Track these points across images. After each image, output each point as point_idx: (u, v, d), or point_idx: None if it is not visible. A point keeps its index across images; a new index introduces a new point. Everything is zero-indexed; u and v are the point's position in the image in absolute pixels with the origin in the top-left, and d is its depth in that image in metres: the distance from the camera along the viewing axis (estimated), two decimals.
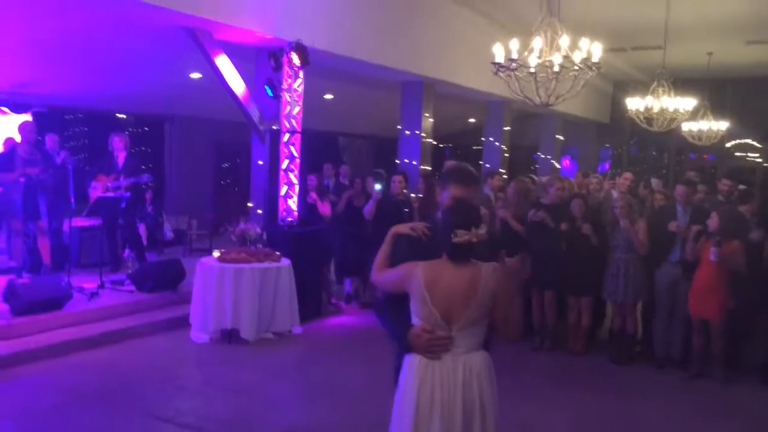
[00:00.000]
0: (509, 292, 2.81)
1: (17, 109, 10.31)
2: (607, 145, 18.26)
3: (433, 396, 2.71)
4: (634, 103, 10.55)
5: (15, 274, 7.62)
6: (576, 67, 6.09)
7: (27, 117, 10.08)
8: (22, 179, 7.65)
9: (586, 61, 6.06)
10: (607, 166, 17.85)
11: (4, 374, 5.48)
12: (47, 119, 11.31)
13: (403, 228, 3.01)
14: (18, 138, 8.28)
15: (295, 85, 7.93)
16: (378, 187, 7.54)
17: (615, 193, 7.84)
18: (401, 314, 2.85)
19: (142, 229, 10.32)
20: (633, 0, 9.74)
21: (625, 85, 15.28)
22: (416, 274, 2.77)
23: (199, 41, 7.22)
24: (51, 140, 9.21)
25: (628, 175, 8.10)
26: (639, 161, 17.66)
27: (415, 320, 2.79)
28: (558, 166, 15.35)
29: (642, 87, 11.55)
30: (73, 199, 7.79)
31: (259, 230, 7.42)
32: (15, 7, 7.01)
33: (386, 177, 8.10)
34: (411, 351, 2.79)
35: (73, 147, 13.58)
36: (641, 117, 10.63)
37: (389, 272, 2.91)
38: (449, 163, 4.68)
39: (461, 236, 2.71)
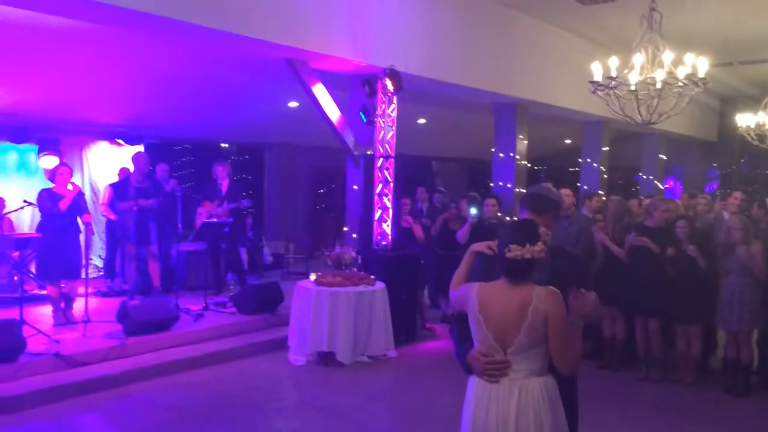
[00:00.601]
0: (564, 321, 2.62)
1: (131, 141, 11.03)
2: (715, 165, 17.31)
3: (487, 419, 2.69)
4: (745, 119, 9.98)
5: (128, 297, 8.07)
6: (680, 84, 5.84)
7: (140, 148, 10.77)
8: (135, 208, 8.12)
9: (691, 76, 5.79)
10: (715, 186, 16.91)
11: (117, 392, 5.79)
12: (158, 150, 12.04)
13: (480, 246, 2.97)
14: (131, 168, 8.83)
15: (389, 111, 8.04)
16: (473, 211, 7.46)
17: (726, 215, 7.40)
18: (468, 333, 2.81)
19: (243, 254, 10.71)
20: (740, 13, 9.25)
21: (733, 101, 14.50)
22: (472, 295, 2.74)
23: (296, 71, 7.49)
24: (162, 170, 9.77)
25: (738, 194, 7.62)
26: (751, 180, 16.60)
27: (475, 341, 2.76)
28: (661, 187, 14.69)
29: (752, 102, 10.93)
30: (180, 225, 8.20)
31: (354, 254, 7.52)
32: (128, 48, 7.55)
33: (480, 201, 8.02)
34: (471, 372, 2.77)
35: (181, 175, 14.36)
36: (752, 133, 10.04)
37: (457, 290, 2.89)
38: (530, 188, 4.59)
39: (514, 251, 2.65)
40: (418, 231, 8.41)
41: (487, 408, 2.70)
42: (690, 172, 16.86)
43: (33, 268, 8.97)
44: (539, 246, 2.65)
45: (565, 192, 7.05)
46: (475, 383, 2.77)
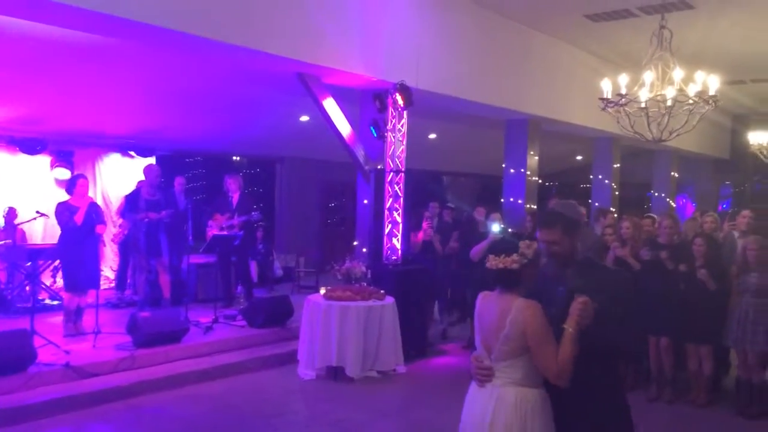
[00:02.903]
0: (542, 333, 2.68)
1: (143, 153, 11.12)
2: (728, 182, 17.22)
3: (470, 420, 2.87)
4: (757, 137, 9.94)
5: (138, 308, 8.10)
6: (691, 101, 5.84)
7: (151, 160, 10.85)
8: (146, 220, 8.18)
9: (701, 94, 5.80)
10: (728, 204, 16.80)
11: (126, 404, 5.81)
12: (170, 162, 12.13)
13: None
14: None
15: (399, 126, 8.08)
16: (495, 228, 7.38)
17: (736, 234, 7.33)
18: None
19: (253, 267, 10.75)
20: (751, 30, 9.26)
21: (745, 119, 14.44)
22: (476, 303, 2.95)
23: (308, 86, 7.55)
24: (179, 183, 9.85)
25: (746, 213, 7.53)
26: (764, 198, 16.50)
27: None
28: (673, 204, 14.62)
29: (765, 120, 10.88)
30: (191, 237, 8.25)
31: (364, 268, 7.52)
32: (141, 61, 7.65)
33: (501, 218, 7.92)
34: None
35: (193, 188, 14.46)
36: (765, 151, 9.99)
37: None
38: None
39: (490, 261, 2.84)
40: (437, 244, 8.43)
41: (471, 409, 2.89)
42: (702, 190, 16.78)
43: (46, 280, 9.09)
44: (513, 257, 2.79)
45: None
46: (471, 384, 2.96)
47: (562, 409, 2.77)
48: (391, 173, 8.09)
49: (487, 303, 2.87)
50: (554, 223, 2.89)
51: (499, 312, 2.76)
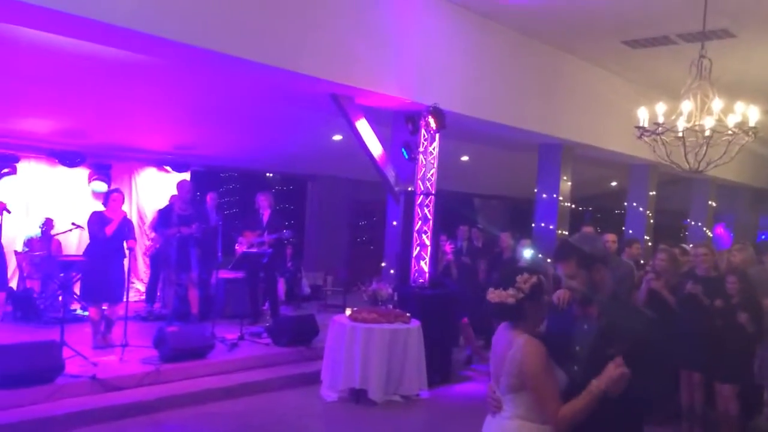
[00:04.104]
0: (539, 375, 2.58)
1: (178, 168, 11.30)
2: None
3: None
4: None
5: (166, 322, 8.16)
6: (730, 132, 5.70)
7: (186, 175, 11.01)
8: (177, 235, 8.26)
9: (741, 125, 5.66)
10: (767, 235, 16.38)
11: (149, 419, 5.83)
12: (204, 178, 12.30)
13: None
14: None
15: (431, 148, 8.06)
16: (527, 254, 7.28)
17: None
18: None
19: (281, 284, 10.78)
20: None
21: None
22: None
23: (341, 106, 7.59)
24: (211, 198, 9.96)
25: None
26: None
27: None
28: (710, 234, 14.29)
29: None
30: (220, 253, 8.31)
31: (390, 290, 7.47)
32: (180, 79, 7.79)
33: (534, 244, 7.82)
34: None
35: (227, 203, 14.63)
36: None
37: None
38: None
39: (488, 294, 2.78)
40: (454, 269, 8.37)
41: None
42: (741, 220, 16.38)
43: (78, 290, 9.23)
44: (510, 291, 2.69)
45: (609, 238, 6.88)
46: (488, 413, 2.93)
47: None
48: (421, 196, 8.06)
49: (500, 333, 2.81)
50: (568, 256, 2.76)
51: (505, 344, 2.72)
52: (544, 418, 2.64)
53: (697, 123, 5.84)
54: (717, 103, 5.70)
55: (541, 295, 2.72)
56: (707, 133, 5.72)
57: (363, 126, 7.80)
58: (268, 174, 14.85)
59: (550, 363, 2.61)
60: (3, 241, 8.25)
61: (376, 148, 7.96)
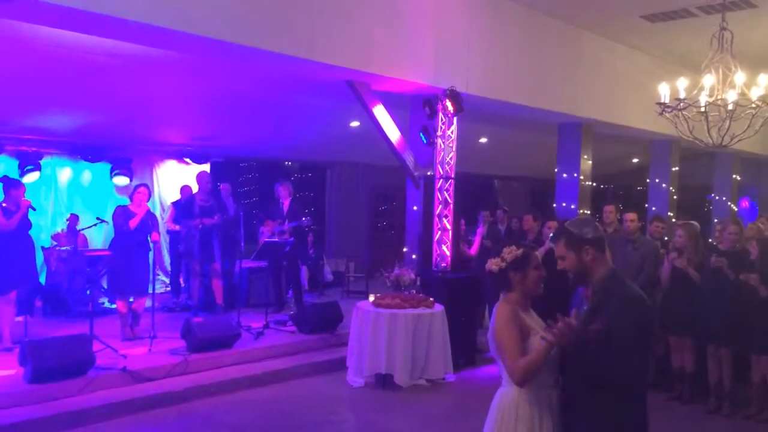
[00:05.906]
0: (502, 331, 2.75)
1: (198, 159, 11.38)
2: None
3: None
4: None
5: (192, 313, 8.27)
6: (753, 105, 5.61)
7: (206, 167, 11.08)
8: (200, 226, 8.32)
9: (765, 98, 5.56)
10: None
11: (179, 408, 5.93)
12: (224, 168, 12.37)
13: None
14: (195, 186, 9.07)
15: (449, 132, 8.02)
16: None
17: None
18: None
19: (304, 271, 10.85)
20: None
21: None
22: None
23: (358, 93, 7.58)
24: (225, 189, 10.03)
25: None
26: None
27: None
28: (735, 208, 14.08)
29: None
30: (242, 243, 8.37)
31: (413, 276, 7.48)
32: (198, 72, 7.82)
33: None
34: None
35: (246, 192, 14.72)
36: None
37: None
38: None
39: (488, 264, 2.92)
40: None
41: None
42: (766, 193, 16.11)
43: (104, 283, 9.38)
44: (495, 260, 2.87)
45: (629, 216, 6.81)
46: None
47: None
48: (441, 180, 8.04)
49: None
50: (557, 237, 2.95)
51: (494, 315, 2.88)
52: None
53: (719, 97, 5.76)
54: (740, 76, 5.61)
55: (525, 267, 2.84)
56: (730, 107, 5.64)
57: (380, 112, 7.79)
58: (287, 162, 14.89)
59: (514, 322, 2.74)
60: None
61: (393, 133, 7.94)
